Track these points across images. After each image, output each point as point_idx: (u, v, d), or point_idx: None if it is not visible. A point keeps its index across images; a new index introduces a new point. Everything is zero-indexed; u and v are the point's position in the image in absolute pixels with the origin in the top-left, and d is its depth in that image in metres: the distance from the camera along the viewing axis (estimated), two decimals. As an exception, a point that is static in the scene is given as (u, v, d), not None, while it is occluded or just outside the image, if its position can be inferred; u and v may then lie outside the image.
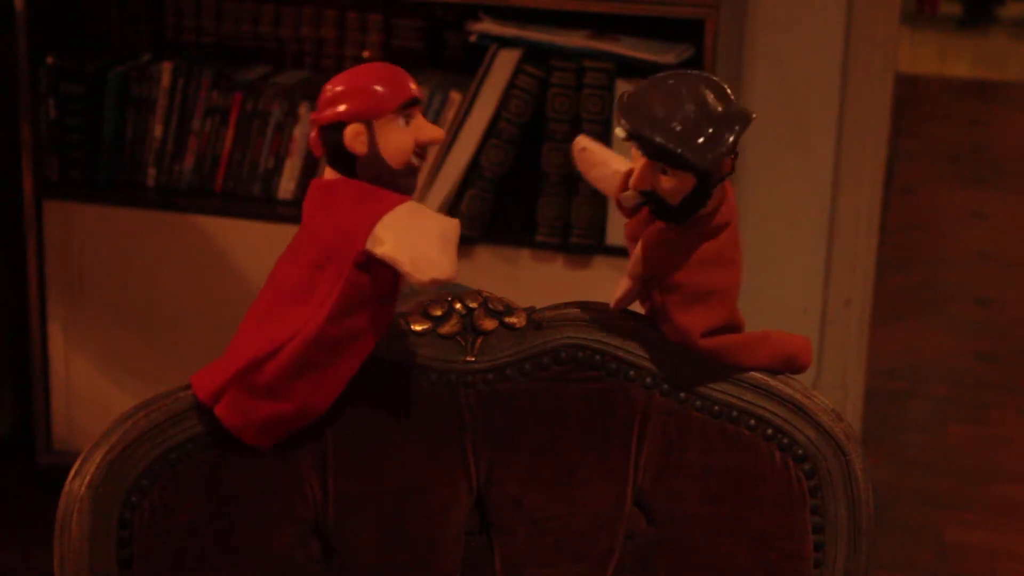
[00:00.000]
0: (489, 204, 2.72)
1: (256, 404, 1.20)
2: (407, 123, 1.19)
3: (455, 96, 2.74)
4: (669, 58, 2.65)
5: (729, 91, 1.21)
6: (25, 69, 2.87)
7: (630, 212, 1.25)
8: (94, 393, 2.97)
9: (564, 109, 2.69)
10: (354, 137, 1.18)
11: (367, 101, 1.18)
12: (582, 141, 1.31)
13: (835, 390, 3.17)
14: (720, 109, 1.19)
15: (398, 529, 1.28)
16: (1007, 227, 5.28)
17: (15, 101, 2.90)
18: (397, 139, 1.19)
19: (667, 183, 1.20)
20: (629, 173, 1.23)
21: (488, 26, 2.72)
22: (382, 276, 1.18)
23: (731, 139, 1.18)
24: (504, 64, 2.70)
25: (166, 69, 2.88)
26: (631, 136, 1.19)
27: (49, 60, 2.88)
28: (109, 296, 2.94)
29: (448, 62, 2.91)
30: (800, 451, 1.28)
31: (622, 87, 2.67)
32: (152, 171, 2.91)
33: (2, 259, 3.17)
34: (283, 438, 1.23)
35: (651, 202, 1.22)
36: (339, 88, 1.19)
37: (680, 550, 1.30)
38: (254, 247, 2.85)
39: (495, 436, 1.28)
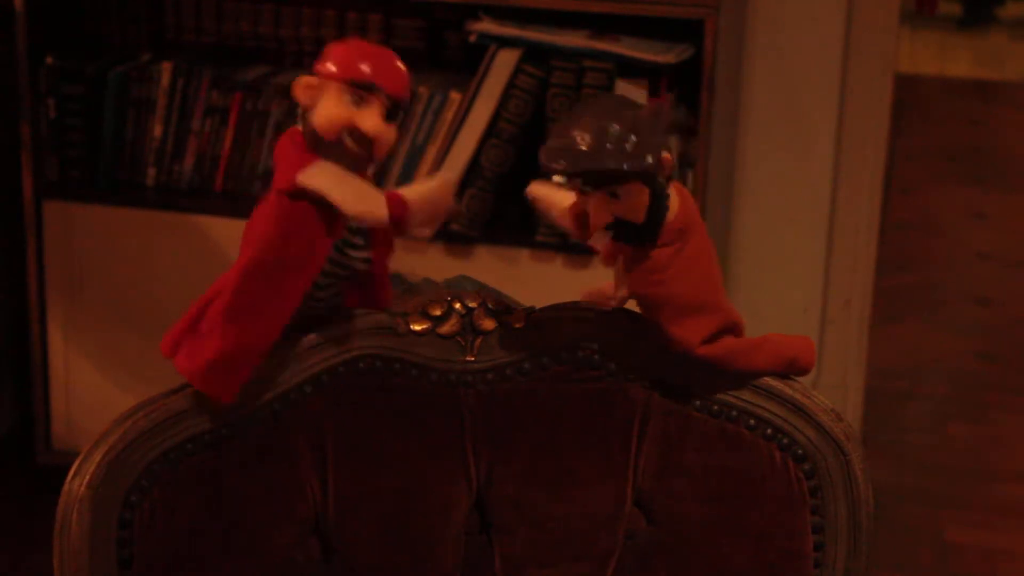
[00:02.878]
0: (489, 204, 2.72)
1: (201, 346, 1.22)
2: (356, 103, 1.19)
3: (455, 96, 2.74)
4: (669, 58, 2.65)
5: (635, 101, 1.21)
6: (25, 69, 2.87)
7: (604, 244, 1.26)
8: (94, 393, 2.97)
9: (564, 109, 2.69)
10: (303, 87, 1.21)
11: (327, 62, 1.21)
12: (532, 191, 1.31)
13: (835, 390, 3.17)
14: (637, 116, 1.19)
15: (398, 529, 1.28)
16: (1007, 227, 5.28)
17: (15, 101, 2.90)
18: (331, 108, 1.19)
19: (623, 205, 1.19)
20: (579, 213, 1.23)
21: (488, 26, 2.72)
22: (314, 208, 1.19)
23: (663, 131, 1.18)
24: (504, 64, 2.69)
25: (166, 69, 2.88)
26: (571, 176, 1.19)
27: (49, 60, 2.88)
28: (109, 296, 2.94)
29: (448, 62, 2.91)
30: (800, 451, 1.28)
31: (622, 87, 2.67)
32: (152, 171, 2.91)
33: (2, 259, 3.17)
34: (236, 387, 1.22)
35: (619, 231, 1.22)
36: (330, 44, 1.22)
37: (680, 550, 1.30)
38: (254, 247, 2.84)
39: (495, 436, 1.28)
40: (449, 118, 2.72)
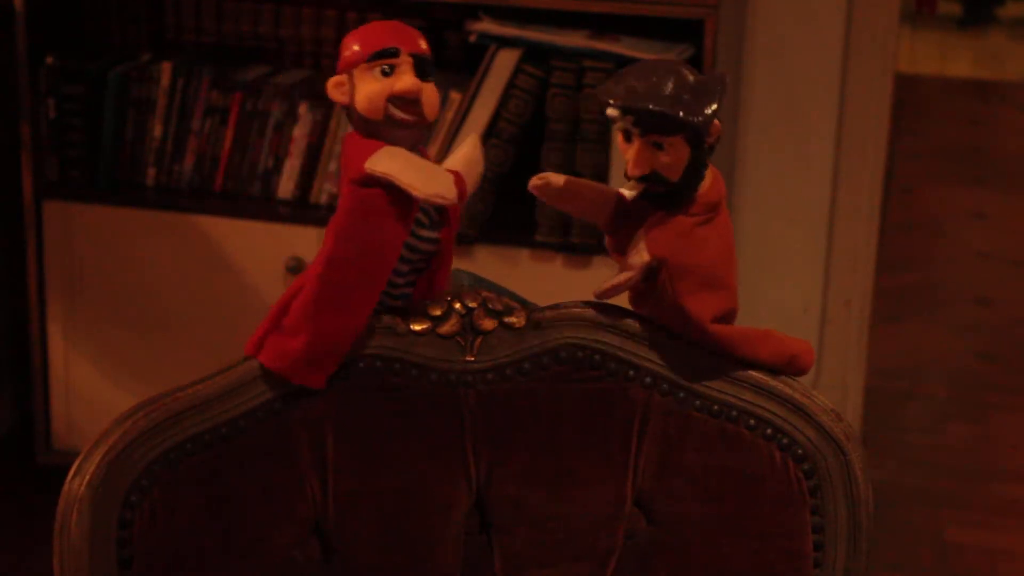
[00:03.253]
0: (489, 204, 2.72)
1: (287, 342, 1.22)
2: (387, 74, 1.21)
3: (455, 96, 2.74)
4: (669, 58, 2.65)
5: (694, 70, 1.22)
6: (25, 69, 2.87)
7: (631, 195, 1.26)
8: (94, 393, 2.97)
9: (564, 109, 2.69)
10: (334, 87, 1.23)
11: (346, 52, 1.23)
12: (541, 176, 1.31)
13: (835, 390, 3.17)
14: (694, 80, 1.21)
15: (398, 529, 1.28)
16: (1007, 227, 5.28)
17: (15, 101, 2.90)
18: (367, 88, 1.21)
19: (664, 158, 1.20)
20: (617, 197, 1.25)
21: (488, 26, 2.72)
22: (387, 195, 1.19)
23: (717, 97, 1.19)
24: (504, 64, 2.70)
25: (166, 69, 2.88)
26: (625, 110, 1.20)
27: (49, 60, 2.88)
28: (109, 296, 2.94)
29: (448, 62, 2.91)
30: (800, 451, 1.28)
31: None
32: (152, 171, 2.91)
33: (2, 259, 3.17)
34: (331, 372, 1.23)
35: (651, 186, 1.22)
36: (342, 42, 1.24)
37: (680, 550, 1.30)
38: (254, 247, 2.85)
39: (495, 436, 1.28)
40: (449, 118, 2.72)
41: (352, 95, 1.22)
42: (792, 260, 3.13)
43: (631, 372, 1.28)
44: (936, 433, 3.57)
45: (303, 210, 2.84)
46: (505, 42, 2.71)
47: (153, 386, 1.30)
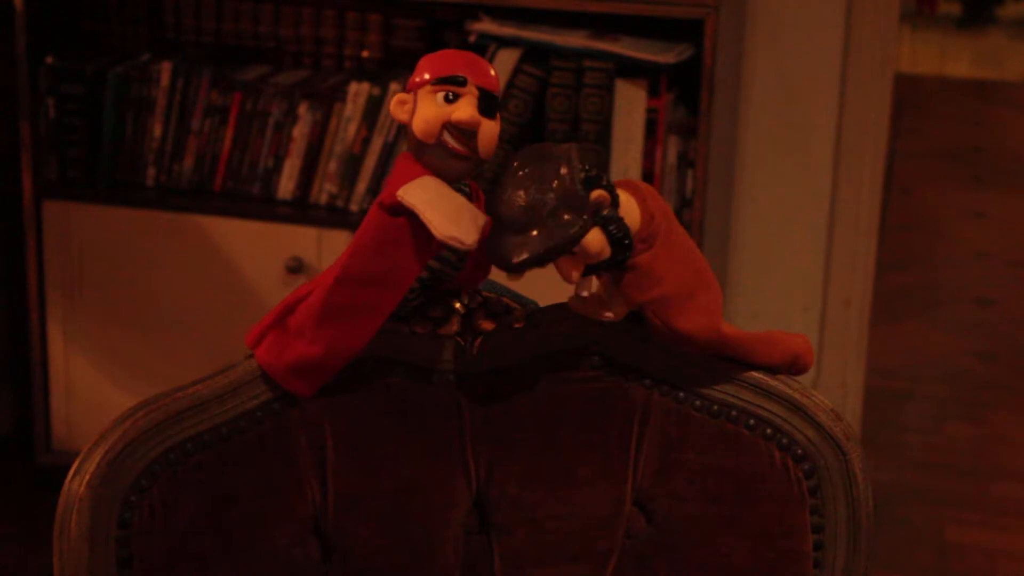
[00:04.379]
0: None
1: (287, 345, 1.22)
2: (449, 101, 1.20)
3: (455, 96, 2.73)
4: (669, 58, 2.66)
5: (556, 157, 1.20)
6: (25, 69, 2.87)
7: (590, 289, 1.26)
8: (94, 393, 2.97)
9: (564, 109, 2.69)
10: (397, 104, 1.22)
11: (416, 74, 1.22)
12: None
13: (834, 390, 3.17)
14: (561, 178, 1.18)
15: (398, 529, 1.28)
16: (1007, 227, 5.28)
17: (15, 101, 2.90)
18: (425, 111, 1.20)
19: (584, 256, 1.19)
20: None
21: (488, 26, 2.73)
22: (410, 226, 1.19)
23: (584, 183, 1.17)
24: (504, 64, 2.70)
25: (165, 69, 2.88)
26: (534, 266, 1.19)
27: (49, 60, 2.88)
28: (108, 296, 2.94)
29: (448, 62, 2.91)
30: (799, 451, 1.28)
31: (621, 87, 2.67)
32: (152, 171, 2.91)
33: (2, 259, 3.17)
34: (318, 385, 1.23)
35: (594, 270, 1.21)
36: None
37: (680, 550, 1.30)
38: (254, 247, 2.85)
39: (495, 436, 1.28)
40: (449, 118, 2.72)
41: (412, 115, 1.21)
42: (792, 260, 3.13)
43: (631, 372, 1.28)
44: (936, 433, 3.58)
45: (303, 210, 2.84)
46: (505, 42, 2.71)
47: (153, 386, 1.30)
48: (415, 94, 1.21)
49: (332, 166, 2.84)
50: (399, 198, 1.18)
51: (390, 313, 1.22)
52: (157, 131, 2.89)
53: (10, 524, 2.95)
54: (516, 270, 1.19)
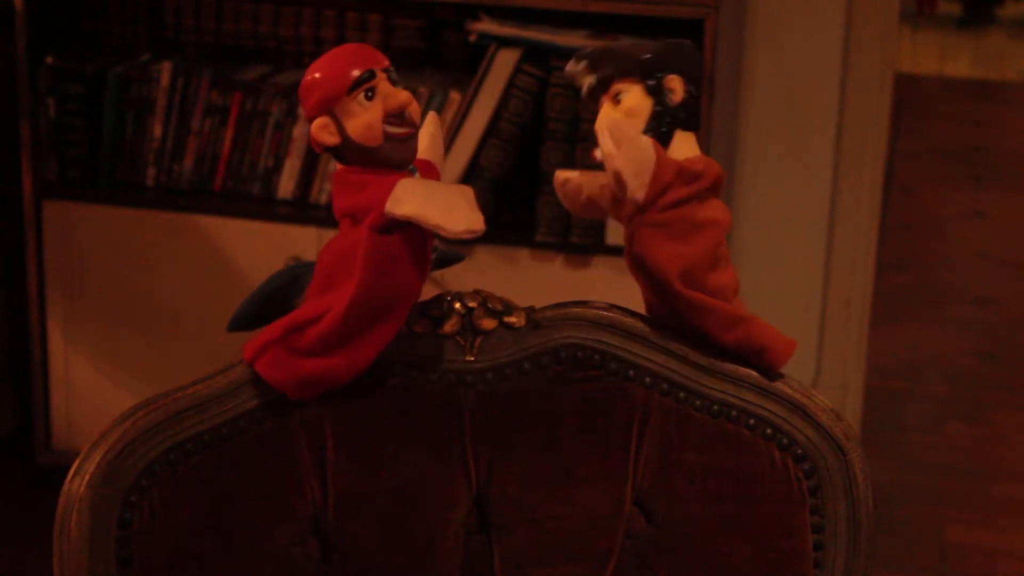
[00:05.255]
0: (489, 204, 2.72)
1: (297, 363, 1.21)
2: (370, 98, 1.19)
3: (455, 96, 2.74)
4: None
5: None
6: (25, 69, 2.87)
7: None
8: (94, 393, 2.97)
9: (564, 109, 2.69)
10: (320, 129, 1.20)
11: (320, 92, 1.19)
12: (562, 174, 1.34)
13: (835, 390, 3.17)
14: (671, 43, 1.27)
15: (398, 529, 1.28)
16: (1007, 227, 5.28)
17: (15, 101, 2.90)
18: (361, 119, 1.19)
19: (622, 108, 1.25)
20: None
21: (488, 26, 2.73)
22: (406, 239, 1.19)
23: (660, 47, 1.25)
24: (504, 64, 2.70)
25: (165, 69, 2.88)
26: (579, 57, 1.26)
27: (49, 60, 2.88)
28: (109, 296, 2.94)
29: (448, 62, 2.91)
30: (800, 451, 1.28)
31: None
32: (152, 171, 2.91)
33: (2, 259, 3.17)
34: (319, 392, 1.23)
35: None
36: (304, 84, 1.21)
37: (680, 550, 1.30)
38: (254, 247, 2.85)
39: (495, 436, 1.28)
40: (449, 118, 2.72)
41: (343, 132, 1.19)
42: (792, 260, 3.13)
43: (631, 372, 1.28)
44: (936, 433, 3.57)
45: (303, 210, 2.84)
46: (505, 42, 2.71)
47: (153, 386, 1.29)
48: (333, 113, 1.19)
49: (332, 166, 2.83)
50: (390, 213, 1.17)
51: (401, 324, 1.22)
52: (157, 131, 2.89)
53: (10, 524, 2.95)
54: (580, 57, 1.26)
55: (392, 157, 1.20)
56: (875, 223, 3.17)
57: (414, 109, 1.21)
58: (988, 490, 3.28)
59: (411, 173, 1.22)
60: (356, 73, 1.19)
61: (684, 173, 1.24)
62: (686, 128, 1.26)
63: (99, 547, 1.21)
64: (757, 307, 3.37)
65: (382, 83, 1.20)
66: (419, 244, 1.20)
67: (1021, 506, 3.23)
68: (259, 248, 2.84)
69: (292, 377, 1.22)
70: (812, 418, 1.28)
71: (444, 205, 1.17)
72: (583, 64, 1.26)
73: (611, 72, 1.25)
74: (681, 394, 1.28)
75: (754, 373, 1.28)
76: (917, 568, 2.96)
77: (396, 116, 1.19)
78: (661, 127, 1.25)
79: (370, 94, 1.19)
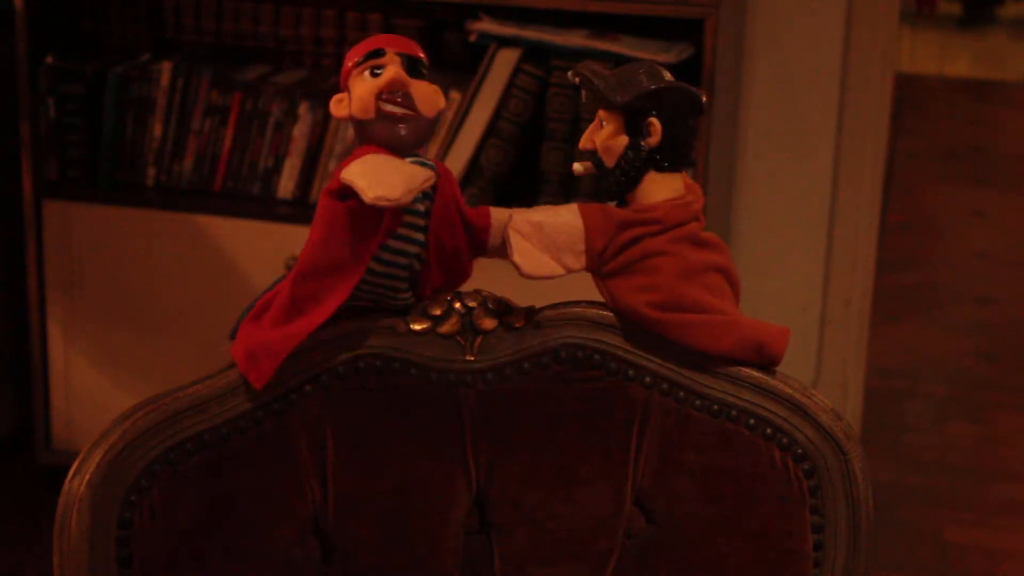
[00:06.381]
0: (489, 204, 2.72)
1: (254, 333, 1.23)
2: (376, 75, 1.22)
3: (455, 96, 2.74)
4: (669, 57, 2.65)
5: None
6: (25, 69, 2.87)
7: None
8: (94, 392, 2.97)
9: (564, 109, 2.69)
10: (335, 104, 1.24)
11: (343, 68, 1.24)
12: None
13: (835, 389, 3.17)
14: (664, 79, 1.27)
15: (398, 529, 1.28)
16: (1007, 227, 5.28)
17: (15, 101, 2.90)
18: (358, 89, 1.22)
19: (600, 135, 1.27)
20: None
21: (488, 26, 2.72)
22: (357, 206, 1.19)
23: (649, 85, 1.25)
24: (504, 64, 2.70)
25: (166, 69, 2.88)
26: (575, 73, 1.29)
27: (49, 60, 2.88)
28: (109, 296, 2.94)
29: (448, 62, 2.91)
30: (800, 450, 1.28)
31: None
32: (152, 171, 2.91)
33: (2, 259, 3.17)
34: (269, 374, 1.22)
35: (597, 172, 1.28)
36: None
37: (680, 550, 1.30)
38: (254, 247, 2.85)
39: (495, 436, 1.28)
40: (449, 118, 2.72)
41: (350, 106, 1.22)
42: (792, 260, 3.13)
43: (631, 372, 1.28)
44: (936, 433, 3.58)
45: (303, 210, 2.84)
46: (505, 42, 2.71)
47: (153, 386, 1.30)
48: (347, 87, 1.23)
49: (332, 166, 2.83)
50: (342, 179, 1.18)
51: (344, 298, 1.22)
52: (157, 131, 2.89)
53: (10, 524, 2.95)
54: (577, 73, 1.29)
55: (382, 136, 1.21)
56: (875, 223, 3.17)
57: (420, 96, 1.21)
58: (988, 490, 3.28)
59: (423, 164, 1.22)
60: (367, 48, 1.22)
61: (626, 222, 1.25)
62: (663, 168, 1.27)
63: (99, 547, 1.21)
64: (757, 307, 3.38)
65: (392, 65, 1.22)
66: (371, 214, 1.20)
67: (1021, 506, 3.23)
68: (259, 248, 2.84)
69: (241, 351, 1.22)
70: (812, 418, 1.28)
71: (379, 174, 1.18)
72: (576, 79, 1.29)
73: (594, 99, 1.27)
74: (681, 394, 1.28)
75: (755, 373, 1.28)
76: (917, 568, 2.96)
77: (392, 93, 1.20)
78: (633, 167, 1.26)
79: (376, 71, 1.21)
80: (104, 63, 2.91)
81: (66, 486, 1.21)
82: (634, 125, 1.26)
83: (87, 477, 1.20)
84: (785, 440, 1.28)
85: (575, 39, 2.70)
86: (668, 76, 1.27)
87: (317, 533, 1.28)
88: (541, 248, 1.25)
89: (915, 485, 3.28)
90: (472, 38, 2.74)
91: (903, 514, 3.13)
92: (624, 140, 1.26)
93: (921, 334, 4.19)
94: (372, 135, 1.22)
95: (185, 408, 1.23)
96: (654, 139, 1.26)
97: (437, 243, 1.25)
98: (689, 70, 2.70)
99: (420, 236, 1.24)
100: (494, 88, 2.69)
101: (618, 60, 2.66)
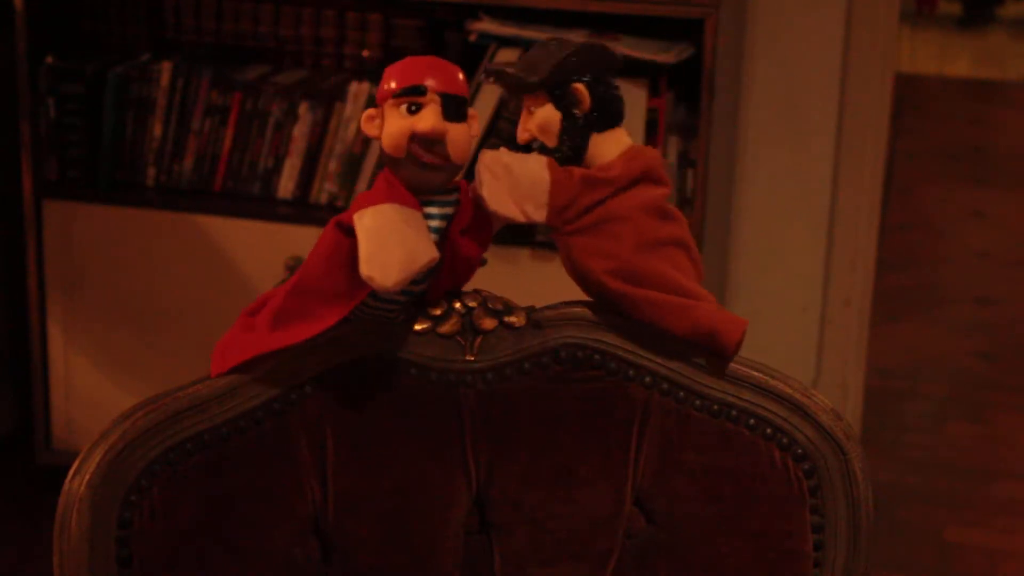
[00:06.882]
0: (489, 204, 2.72)
1: (240, 326, 1.24)
2: (412, 112, 1.19)
3: (455, 96, 2.73)
4: (669, 57, 2.65)
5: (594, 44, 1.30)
6: (25, 69, 2.87)
7: None
8: (94, 392, 2.97)
9: (564, 109, 2.69)
10: (367, 120, 1.21)
11: (382, 84, 1.21)
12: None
13: (835, 389, 3.17)
14: (574, 48, 1.27)
15: (398, 529, 1.28)
16: (1007, 227, 5.28)
17: (15, 101, 2.90)
18: (391, 124, 1.20)
19: (533, 122, 1.27)
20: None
21: (488, 25, 2.73)
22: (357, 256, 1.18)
23: (559, 59, 1.25)
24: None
25: (166, 69, 2.88)
26: (487, 72, 1.32)
27: (49, 60, 2.88)
28: (109, 296, 2.94)
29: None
30: (800, 451, 1.28)
31: (622, 86, 2.66)
32: (152, 171, 2.91)
33: (2, 259, 3.17)
34: (225, 371, 1.23)
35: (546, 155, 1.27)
36: (386, 70, 1.23)
37: (680, 550, 1.30)
38: (254, 247, 2.85)
39: (495, 436, 1.28)
40: (449, 118, 2.72)
41: (382, 129, 1.20)
42: (792, 260, 3.13)
43: (631, 372, 1.28)
44: (936, 433, 3.57)
45: (303, 210, 2.84)
46: (505, 41, 2.71)
47: (153, 386, 1.30)
48: (382, 107, 1.20)
49: (332, 166, 2.84)
50: (354, 220, 1.18)
51: (327, 327, 1.21)
52: (157, 131, 2.89)
53: (10, 524, 2.95)
54: (488, 72, 1.29)
55: (415, 179, 1.20)
56: (875, 223, 3.17)
57: (454, 144, 1.19)
58: (988, 490, 3.28)
59: (420, 205, 1.21)
60: (407, 81, 1.20)
61: (590, 179, 1.24)
62: (603, 128, 1.27)
63: (99, 547, 1.21)
64: (757, 307, 3.38)
65: (431, 104, 1.19)
66: None
67: (1021, 506, 3.23)
68: (259, 248, 2.84)
69: (222, 340, 1.23)
70: (812, 418, 1.28)
71: (381, 242, 1.16)
72: (491, 80, 1.29)
73: (515, 90, 1.27)
74: (681, 394, 1.28)
75: (755, 373, 1.28)
76: (917, 568, 2.96)
77: (425, 140, 1.19)
78: (574, 137, 1.26)
79: (414, 108, 1.19)
80: (104, 63, 2.91)
81: (66, 486, 1.21)
82: (561, 99, 1.26)
83: (87, 477, 1.20)
84: (785, 440, 1.28)
85: (575, 39, 2.69)
86: (576, 40, 1.28)
87: (317, 533, 1.28)
88: (506, 190, 1.24)
89: (915, 485, 3.28)
90: (472, 38, 2.74)
91: (903, 514, 3.13)
92: (557, 115, 1.26)
93: (921, 334, 4.19)
94: (398, 171, 1.20)
95: (185, 408, 1.23)
96: (585, 103, 1.26)
97: (452, 256, 1.24)
98: (689, 70, 2.70)
99: (420, 286, 1.24)
100: (494, 88, 2.69)
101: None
